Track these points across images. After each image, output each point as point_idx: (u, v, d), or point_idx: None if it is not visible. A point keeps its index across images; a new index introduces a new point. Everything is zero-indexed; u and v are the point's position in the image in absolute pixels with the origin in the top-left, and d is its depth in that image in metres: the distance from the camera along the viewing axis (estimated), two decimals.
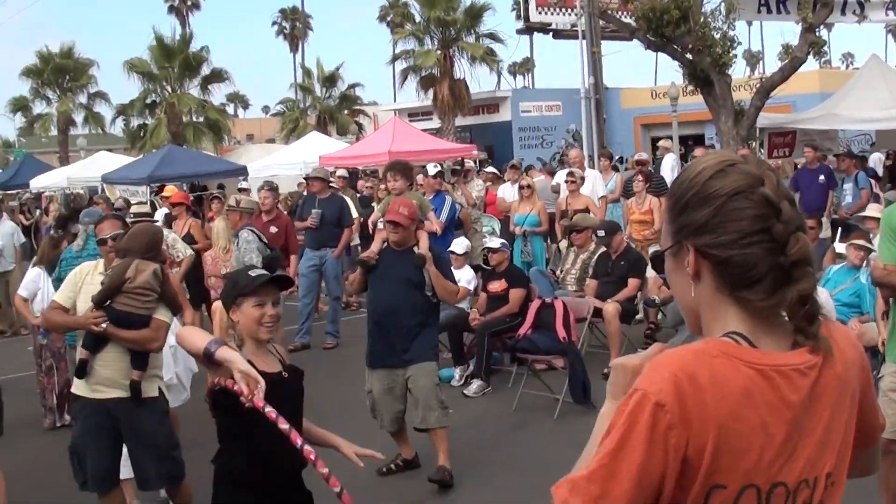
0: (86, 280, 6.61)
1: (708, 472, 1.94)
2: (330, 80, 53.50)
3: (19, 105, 55.34)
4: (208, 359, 4.06)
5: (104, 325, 6.36)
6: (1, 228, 16.88)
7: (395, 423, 8.19)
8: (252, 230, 10.99)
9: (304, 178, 18.39)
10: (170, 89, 45.69)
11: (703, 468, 1.93)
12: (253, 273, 4.54)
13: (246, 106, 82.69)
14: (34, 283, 10.31)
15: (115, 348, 6.45)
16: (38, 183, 34.18)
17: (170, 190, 17.68)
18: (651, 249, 13.29)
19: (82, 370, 6.44)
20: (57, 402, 10.47)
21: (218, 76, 47.16)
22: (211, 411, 4.44)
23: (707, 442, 1.92)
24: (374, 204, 17.80)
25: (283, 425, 3.81)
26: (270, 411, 3.82)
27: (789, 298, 2.03)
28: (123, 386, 6.43)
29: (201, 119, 45.64)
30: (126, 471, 6.95)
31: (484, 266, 12.96)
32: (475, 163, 23.58)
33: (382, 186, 10.90)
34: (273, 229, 13.02)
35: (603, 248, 12.11)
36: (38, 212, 29.85)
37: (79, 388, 6.57)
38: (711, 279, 2.09)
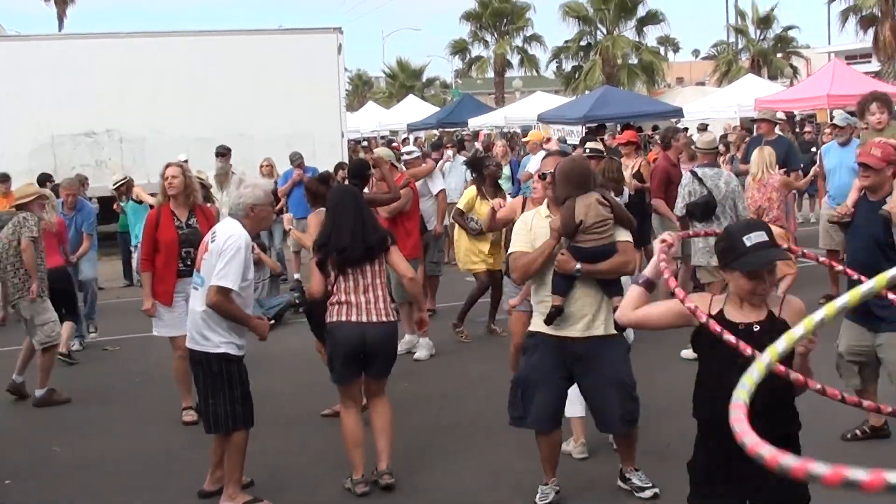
0: (534, 225, 6.50)
1: None
2: (764, 21, 52.39)
3: (458, 47, 58.08)
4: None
5: (578, 266, 6.18)
6: (456, 162, 18.20)
7: (857, 382, 7.39)
8: (693, 172, 11.00)
9: (752, 120, 18.22)
10: (604, 31, 46.42)
11: None
12: (749, 241, 4.07)
13: (676, 49, 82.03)
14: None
15: (583, 286, 6.27)
16: (476, 122, 36.05)
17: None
18: None
19: (556, 315, 6.21)
20: None
21: (653, 18, 47.43)
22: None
23: None
24: (812, 148, 17.36)
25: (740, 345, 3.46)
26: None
27: None
28: (589, 322, 6.25)
29: (635, 61, 46.08)
30: (574, 409, 7.00)
31: None
32: None
33: (862, 124, 10.41)
34: None
35: None
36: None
37: (538, 324, 6.43)
38: None
